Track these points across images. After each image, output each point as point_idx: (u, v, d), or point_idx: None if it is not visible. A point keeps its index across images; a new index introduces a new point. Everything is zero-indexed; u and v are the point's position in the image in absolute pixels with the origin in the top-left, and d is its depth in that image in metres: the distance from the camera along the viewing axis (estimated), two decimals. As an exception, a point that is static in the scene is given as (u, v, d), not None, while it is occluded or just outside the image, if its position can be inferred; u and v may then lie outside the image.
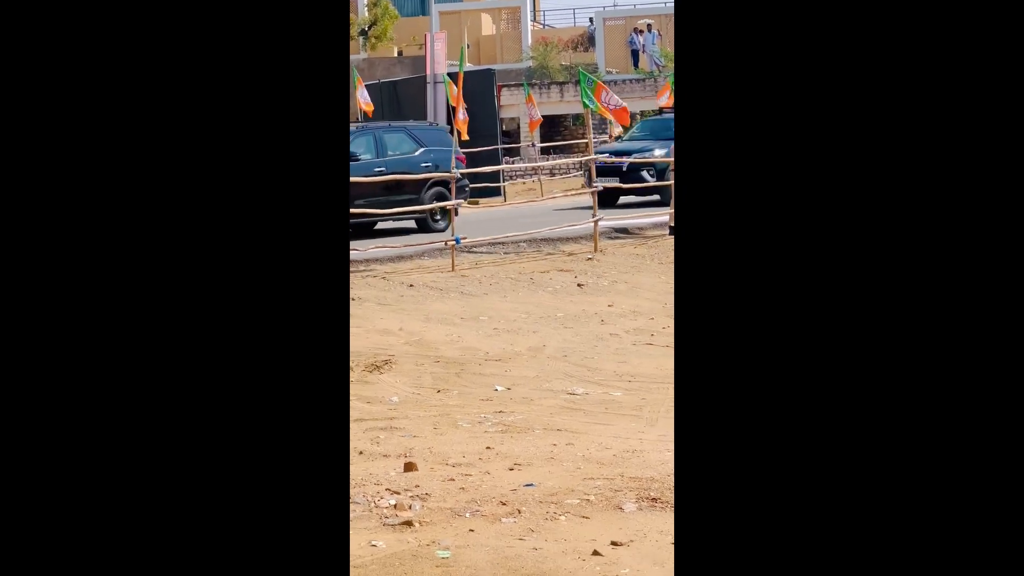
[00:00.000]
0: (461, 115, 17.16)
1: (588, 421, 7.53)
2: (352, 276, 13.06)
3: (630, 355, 9.84)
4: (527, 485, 5.90)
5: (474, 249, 15.16)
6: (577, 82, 20.88)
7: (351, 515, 5.24)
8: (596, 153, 19.06)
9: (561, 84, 29.96)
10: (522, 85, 26.30)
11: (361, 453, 6.65)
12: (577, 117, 29.51)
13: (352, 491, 5.67)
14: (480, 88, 23.34)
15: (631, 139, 21.58)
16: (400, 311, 11.71)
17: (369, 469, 6.27)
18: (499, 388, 8.60)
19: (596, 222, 15.56)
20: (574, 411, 7.84)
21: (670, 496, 5.63)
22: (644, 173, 19.60)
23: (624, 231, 16.89)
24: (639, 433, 7.12)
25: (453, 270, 13.96)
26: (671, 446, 6.62)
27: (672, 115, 20.86)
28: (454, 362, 9.55)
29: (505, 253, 15.24)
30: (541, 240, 15.96)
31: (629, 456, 6.48)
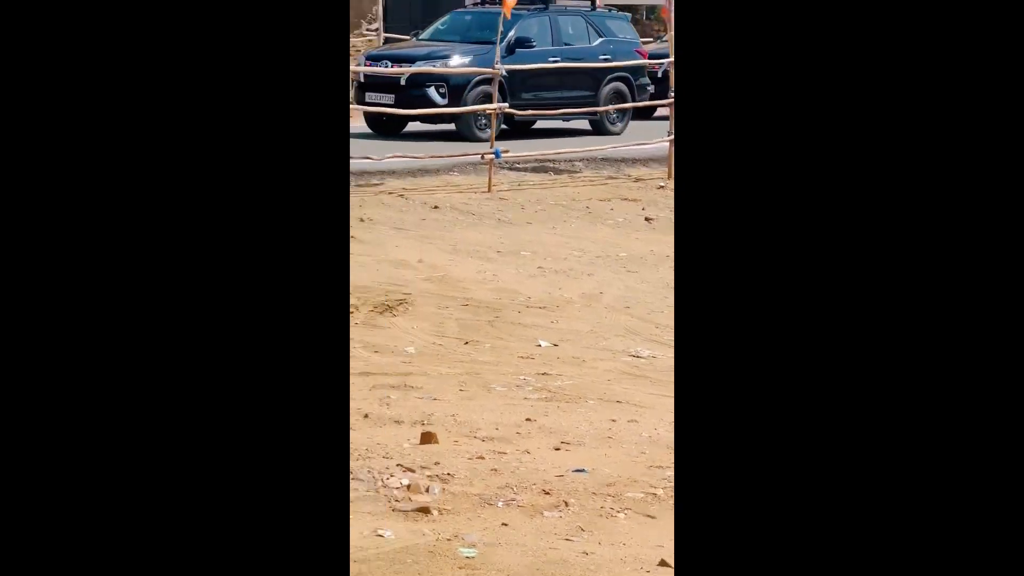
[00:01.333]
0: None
1: (656, 393, 7.47)
2: (362, 192, 13.08)
3: (710, 311, 9.81)
4: (577, 471, 5.88)
5: (517, 166, 15.07)
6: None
7: (351, 494, 5.23)
8: (367, 57, 18.31)
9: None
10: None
11: (366, 416, 6.64)
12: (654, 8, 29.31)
13: (353, 465, 5.66)
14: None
15: (431, 38, 18.93)
16: (421, 239, 11.72)
17: (376, 438, 6.25)
18: (543, 343, 8.59)
19: (672, 141, 15.37)
20: (638, 378, 7.81)
21: (760, 496, 5.57)
22: (431, 91, 17.13)
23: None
24: (720, 412, 7.06)
25: (490, 191, 13.91)
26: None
27: (493, 9, 18.46)
28: (487, 307, 9.54)
29: (556, 174, 15.18)
30: (602, 160, 15.85)
31: (708, 441, 6.42)
